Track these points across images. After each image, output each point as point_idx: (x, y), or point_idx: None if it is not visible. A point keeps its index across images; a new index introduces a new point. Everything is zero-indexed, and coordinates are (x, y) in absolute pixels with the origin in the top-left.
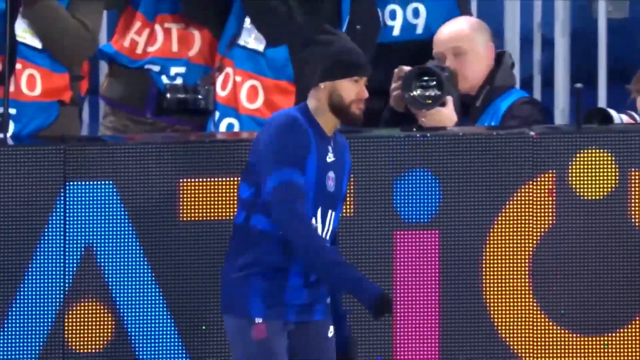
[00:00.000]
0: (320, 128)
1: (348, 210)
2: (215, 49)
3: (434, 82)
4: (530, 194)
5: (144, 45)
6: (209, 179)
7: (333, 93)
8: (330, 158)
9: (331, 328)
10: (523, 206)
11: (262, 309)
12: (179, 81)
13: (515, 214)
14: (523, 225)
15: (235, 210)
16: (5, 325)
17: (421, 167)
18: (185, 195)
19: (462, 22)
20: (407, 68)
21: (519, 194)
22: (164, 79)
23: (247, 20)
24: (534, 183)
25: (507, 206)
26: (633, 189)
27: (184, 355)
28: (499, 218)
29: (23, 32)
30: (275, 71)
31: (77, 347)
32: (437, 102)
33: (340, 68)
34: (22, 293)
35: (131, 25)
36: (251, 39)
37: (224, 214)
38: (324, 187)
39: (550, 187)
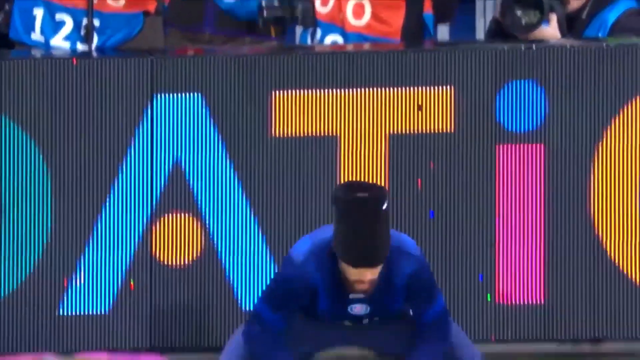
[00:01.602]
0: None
1: (449, 127)
2: None
3: (534, 2)
4: None
5: None
6: (301, 92)
7: (341, 264)
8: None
9: None
10: (633, 119)
11: None
12: None
13: (625, 127)
14: (633, 139)
15: (328, 124)
16: (93, 241)
17: (526, 78)
18: (277, 109)
19: None
20: None
21: (629, 107)
22: None
23: None
24: None
25: (617, 119)
26: None
27: (275, 271)
28: (608, 132)
29: None
30: None
31: (166, 261)
32: (539, 24)
33: (338, 250)
34: (109, 208)
35: None
36: None
37: (317, 129)
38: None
39: None
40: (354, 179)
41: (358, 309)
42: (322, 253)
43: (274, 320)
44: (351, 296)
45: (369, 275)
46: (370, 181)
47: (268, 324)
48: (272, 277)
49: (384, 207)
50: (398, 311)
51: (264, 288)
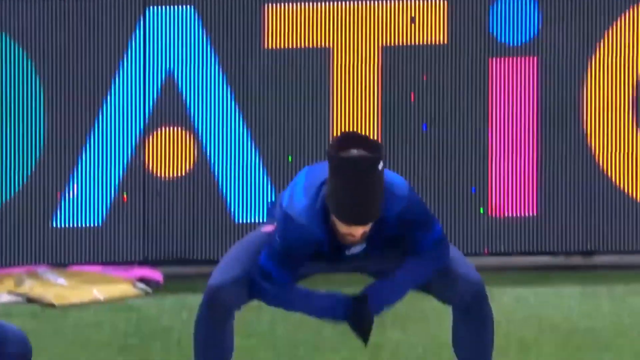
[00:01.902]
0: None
1: (442, 39)
2: None
3: None
4: (635, 18)
5: None
6: (294, 4)
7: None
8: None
9: None
10: (625, 32)
11: None
12: None
13: (617, 40)
14: (625, 52)
15: (321, 36)
16: (86, 154)
17: None
18: (269, 21)
19: None
20: None
21: (621, 20)
22: None
23: None
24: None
25: (609, 32)
26: None
27: (268, 186)
28: (601, 44)
29: None
30: None
31: (159, 173)
32: None
33: (331, 204)
34: (102, 121)
35: None
36: None
37: (310, 41)
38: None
39: None
40: (347, 93)
41: (354, 249)
42: (319, 208)
43: (283, 276)
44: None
45: (360, 230)
46: (363, 93)
47: (277, 280)
48: (274, 235)
49: (380, 167)
50: (393, 244)
51: (267, 247)
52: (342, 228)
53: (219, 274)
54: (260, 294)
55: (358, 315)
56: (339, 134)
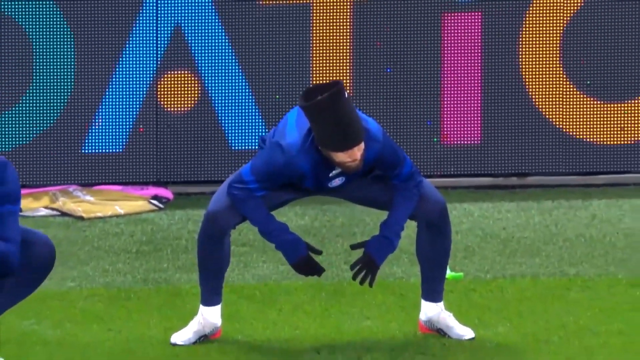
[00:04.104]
0: (328, 162)
1: None
2: None
3: None
4: None
5: None
6: None
7: (327, 153)
8: (336, 183)
9: None
10: None
11: None
12: None
13: None
14: (555, 6)
15: None
16: (109, 92)
17: None
18: None
19: None
20: None
21: None
22: None
23: None
24: None
25: None
26: None
27: (259, 120)
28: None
29: None
30: None
31: (169, 108)
32: None
33: (328, 145)
34: (120, 66)
35: None
36: None
37: None
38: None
39: None
40: (324, 42)
41: (336, 182)
42: (310, 145)
43: (256, 189)
44: (331, 175)
45: (358, 152)
46: (338, 42)
47: (250, 191)
48: (262, 156)
49: (346, 95)
50: (366, 175)
51: (254, 160)
52: (345, 157)
53: (215, 202)
54: (230, 196)
55: (304, 269)
56: (303, 90)
